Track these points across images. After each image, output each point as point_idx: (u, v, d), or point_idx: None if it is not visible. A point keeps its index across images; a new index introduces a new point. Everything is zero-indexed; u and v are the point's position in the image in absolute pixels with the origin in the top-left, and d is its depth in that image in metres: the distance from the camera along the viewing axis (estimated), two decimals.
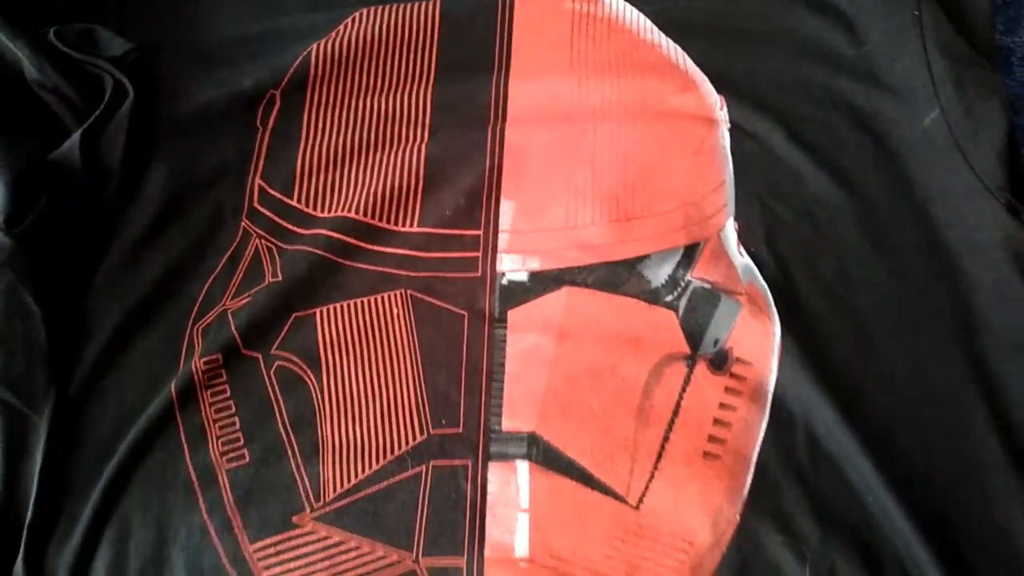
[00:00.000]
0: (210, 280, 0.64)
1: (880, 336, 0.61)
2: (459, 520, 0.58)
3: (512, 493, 0.58)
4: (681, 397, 0.60)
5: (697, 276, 0.63)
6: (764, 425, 0.60)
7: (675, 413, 0.60)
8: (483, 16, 0.70)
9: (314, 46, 0.69)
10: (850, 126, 0.67)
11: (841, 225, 0.64)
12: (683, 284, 0.63)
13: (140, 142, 0.66)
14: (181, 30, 0.70)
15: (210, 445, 0.60)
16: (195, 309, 0.63)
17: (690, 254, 0.64)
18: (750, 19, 0.70)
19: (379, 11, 0.70)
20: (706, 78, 0.68)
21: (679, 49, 0.69)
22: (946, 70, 0.64)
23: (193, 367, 0.60)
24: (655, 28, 0.70)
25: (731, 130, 0.67)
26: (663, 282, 0.63)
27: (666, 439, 0.59)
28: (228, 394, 0.61)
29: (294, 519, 0.59)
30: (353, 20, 0.70)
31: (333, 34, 0.70)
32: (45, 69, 0.63)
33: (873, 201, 0.65)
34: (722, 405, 0.60)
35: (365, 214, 0.64)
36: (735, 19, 0.70)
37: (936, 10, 0.67)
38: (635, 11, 0.70)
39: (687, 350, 0.61)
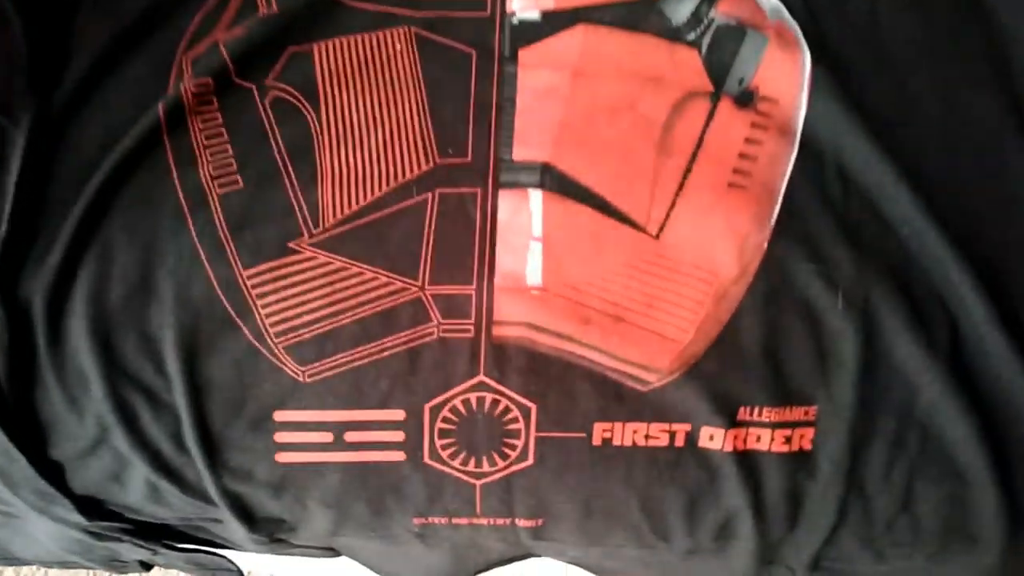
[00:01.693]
0: (202, 12, 0.57)
1: (912, 75, 0.56)
2: (468, 247, 0.52)
3: (524, 221, 0.52)
4: (704, 131, 0.54)
5: (722, 13, 0.57)
6: (792, 159, 0.53)
7: (698, 146, 0.54)
8: None
9: None
10: None
11: None
12: (706, 21, 0.56)
13: None
14: None
15: (200, 168, 0.54)
16: (185, 39, 0.57)
17: None
18: None
19: None
20: None
21: None
22: None
23: (183, 90, 0.54)
24: None
25: None
26: (685, 20, 0.57)
27: (688, 170, 0.54)
28: (220, 122, 0.55)
29: (291, 245, 0.53)
30: None
31: None
32: None
33: None
34: (748, 140, 0.54)
35: None
36: None
37: None
38: None
39: (711, 88, 0.55)
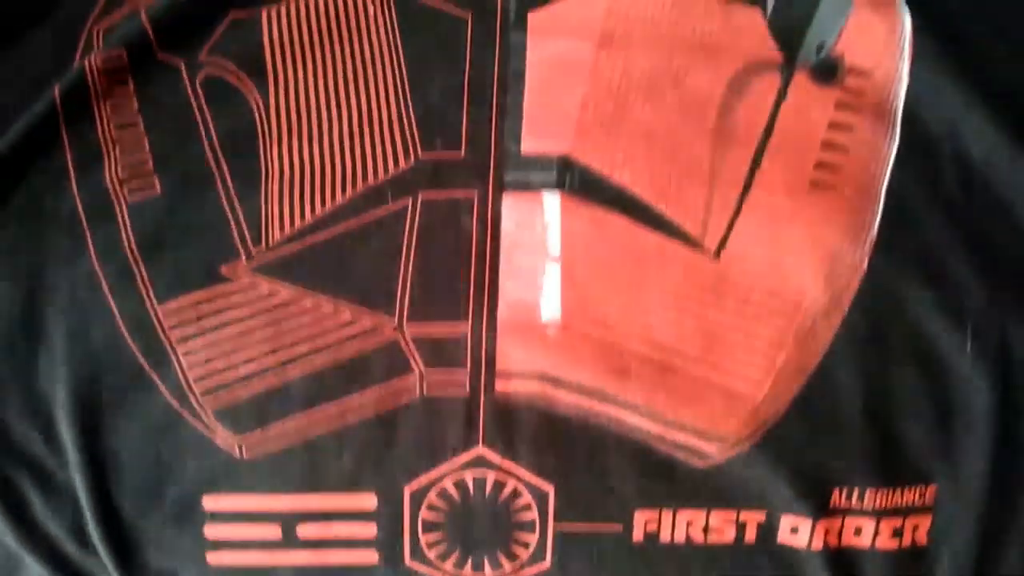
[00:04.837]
0: None
1: None
2: (460, 271, 0.35)
3: (537, 234, 0.36)
4: (775, 115, 0.38)
5: None
6: (894, 148, 0.36)
7: (767, 134, 0.37)
8: None
9: None
10: None
11: None
12: None
13: None
14: None
15: (107, 169, 0.37)
16: (99, 5, 0.39)
17: None
18: None
19: None
20: None
21: None
22: None
23: (87, 69, 0.37)
24: None
25: None
26: None
27: (756, 164, 0.37)
28: (135, 108, 0.38)
29: (222, 269, 0.36)
30: None
31: None
32: None
33: None
34: (833, 125, 0.38)
35: None
36: None
37: None
38: None
39: (779, 57, 0.38)
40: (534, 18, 0.42)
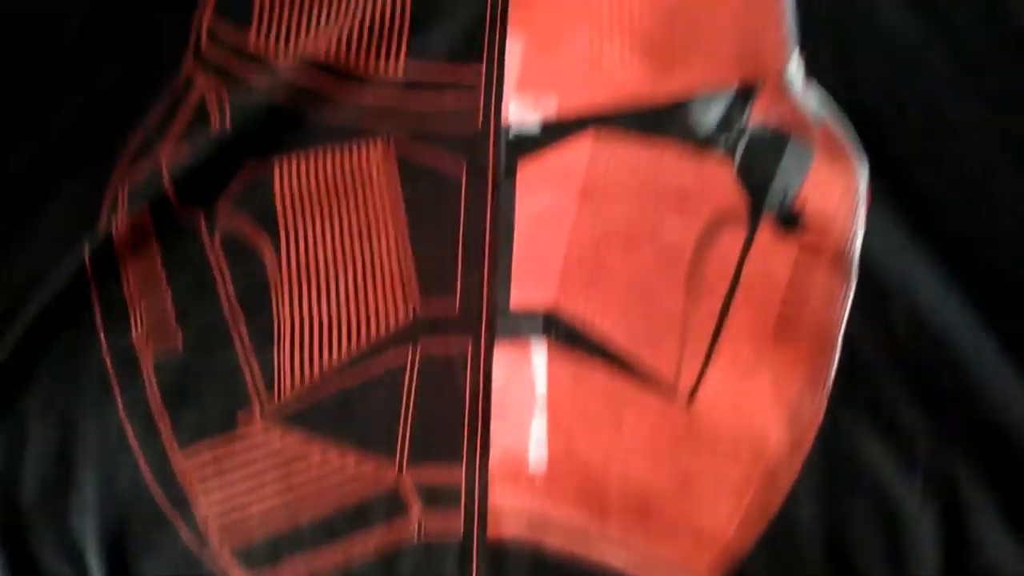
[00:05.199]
0: (144, 128, 0.44)
1: (988, 184, 0.43)
2: (456, 419, 0.38)
3: (525, 384, 0.39)
4: (741, 264, 0.41)
5: (756, 119, 0.43)
6: (850, 298, 0.40)
7: (734, 284, 0.40)
8: None
9: None
10: None
11: (928, 54, 0.46)
12: (738, 129, 0.43)
13: None
14: None
15: (133, 327, 0.41)
16: (122, 162, 0.43)
17: (746, 95, 0.44)
18: None
19: None
20: None
21: None
22: None
23: (114, 229, 0.40)
24: None
25: None
26: (713, 127, 0.43)
27: (724, 314, 0.40)
28: (158, 265, 0.41)
29: (239, 420, 0.39)
30: None
31: None
32: None
33: (963, 27, 0.47)
34: (795, 274, 0.41)
35: (338, 55, 0.45)
36: None
37: None
38: None
39: (746, 207, 0.42)
40: (523, 169, 0.46)
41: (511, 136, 0.45)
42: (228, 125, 0.45)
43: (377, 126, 0.45)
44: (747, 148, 0.44)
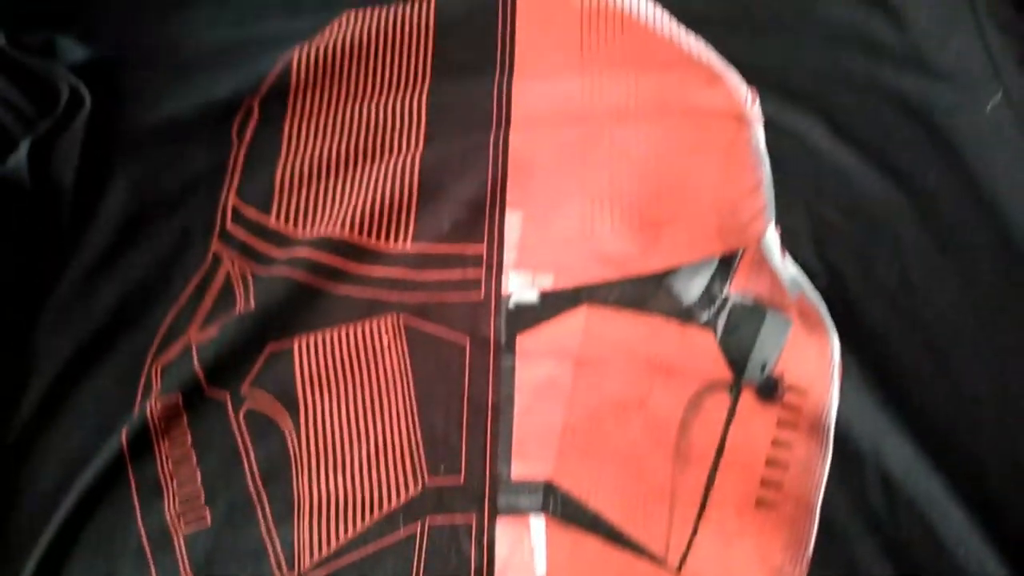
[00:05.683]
0: (174, 309, 0.49)
1: (956, 351, 0.46)
2: None
3: (525, 556, 0.42)
4: (725, 433, 0.44)
5: (737, 290, 0.47)
6: (827, 464, 0.43)
7: (719, 453, 0.44)
8: (483, 13, 0.56)
9: (296, 50, 0.54)
10: (899, 117, 0.52)
11: (899, 226, 0.49)
12: (721, 299, 0.47)
13: (100, 156, 0.51)
14: (153, 38, 0.56)
15: (166, 503, 0.44)
16: (156, 342, 0.48)
17: (727, 265, 0.48)
18: (776, 6, 0.55)
19: (368, 12, 0.55)
20: (733, 71, 0.52)
21: (701, 42, 0.54)
22: (1007, 48, 0.49)
23: (148, 411, 0.44)
24: (673, 21, 0.54)
25: (765, 126, 0.51)
26: (697, 298, 0.47)
27: (710, 484, 0.43)
28: (189, 443, 0.45)
29: None
30: (339, 23, 0.55)
31: (318, 38, 0.54)
32: None
33: (933, 198, 0.51)
34: (775, 442, 0.44)
35: (351, 232, 0.49)
36: (760, 8, 0.55)
37: None
38: (650, 4, 0.54)
39: (729, 377, 0.45)
40: (522, 340, 0.49)
41: (511, 306, 0.48)
42: (252, 303, 0.49)
43: (388, 298, 0.49)
44: (728, 319, 0.48)
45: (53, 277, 0.50)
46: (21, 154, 0.48)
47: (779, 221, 0.50)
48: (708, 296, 0.48)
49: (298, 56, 0.55)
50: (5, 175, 0.48)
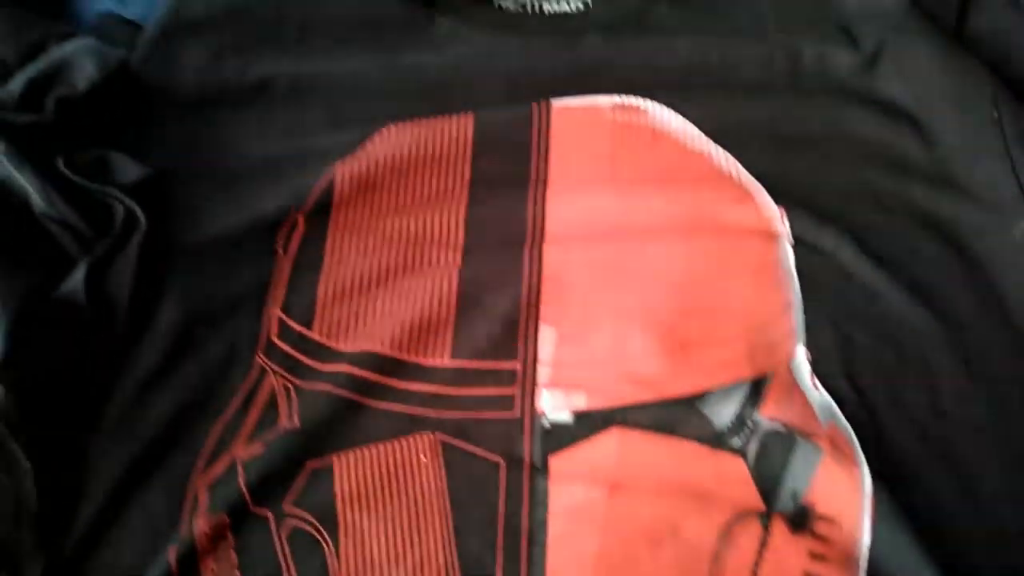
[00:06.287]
0: (220, 423, 0.50)
1: (987, 485, 0.46)
2: None
3: None
4: (758, 565, 0.44)
5: (767, 415, 0.47)
6: None
7: None
8: (519, 130, 0.57)
9: (338, 164, 0.55)
10: (928, 237, 0.52)
11: (928, 351, 0.49)
12: (752, 425, 0.47)
13: (152, 272, 0.52)
14: (201, 151, 0.58)
15: None
16: (203, 458, 0.49)
17: (757, 389, 0.48)
18: (805, 123, 0.56)
19: (408, 127, 0.57)
20: (762, 188, 0.53)
21: (730, 158, 0.55)
22: None
23: (196, 531, 0.45)
24: (703, 136, 0.55)
25: (794, 244, 0.51)
26: (728, 423, 0.47)
27: None
28: (235, 562, 0.46)
29: None
30: (380, 136, 0.57)
31: (360, 151, 0.56)
32: (52, 199, 0.50)
33: (963, 322, 0.51)
34: (807, 574, 0.43)
35: (391, 347, 0.50)
36: (788, 123, 0.56)
37: (1018, 109, 0.51)
38: (680, 118, 0.56)
39: (761, 505, 0.45)
40: (555, 462, 0.50)
41: (545, 425, 0.49)
42: (296, 419, 0.50)
43: (426, 414, 0.50)
44: (759, 446, 0.48)
45: (106, 392, 0.51)
46: (78, 276, 0.50)
47: (809, 343, 0.50)
48: (739, 421, 0.49)
49: (340, 169, 0.57)
50: (64, 296, 0.50)
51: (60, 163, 0.53)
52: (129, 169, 0.55)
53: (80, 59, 0.56)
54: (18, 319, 0.48)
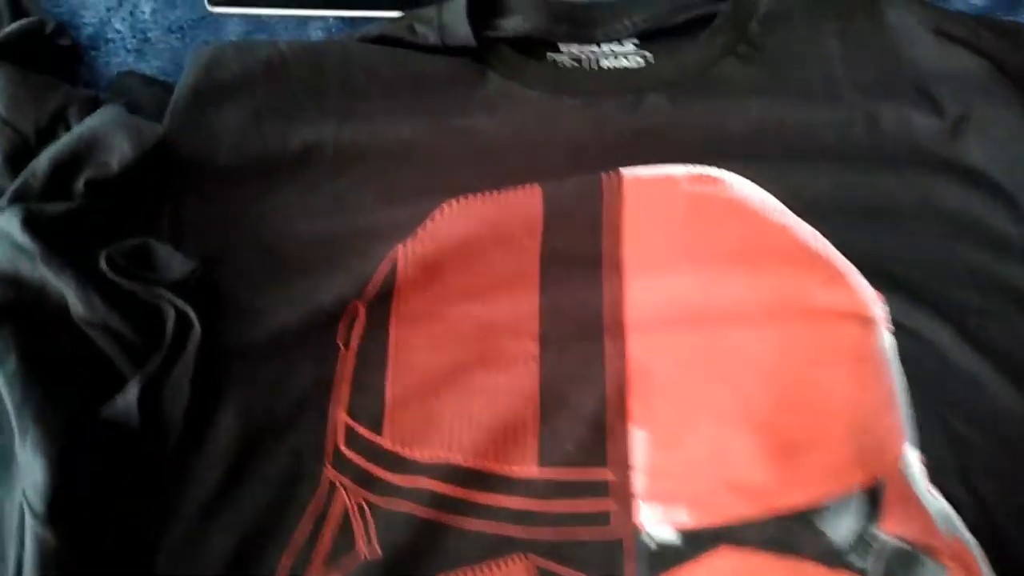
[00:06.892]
0: (291, 550, 0.44)
1: None
2: None
3: None
4: None
5: (889, 531, 0.43)
6: None
7: None
8: (589, 203, 0.52)
9: (399, 247, 0.50)
10: None
11: None
12: (873, 542, 0.43)
13: (207, 381, 0.46)
14: (243, 232, 0.51)
15: None
16: None
17: (874, 500, 0.44)
18: (892, 194, 0.52)
19: (472, 202, 0.52)
20: (853, 267, 0.49)
21: (816, 233, 0.50)
22: None
23: None
24: (784, 208, 0.51)
25: (894, 331, 0.47)
26: (849, 541, 0.44)
27: None
28: None
29: None
30: (441, 212, 0.51)
31: (420, 230, 0.50)
32: (94, 304, 0.44)
33: None
34: None
35: (474, 455, 0.45)
36: (874, 194, 0.52)
37: None
38: (759, 189, 0.51)
39: None
40: None
41: (653, 546, 0.45)
42: (375, 544, 0.45)
43: (517, 534, 0.45)
44: (884, 566, 0.44)
45: (164, 519, 0.46)
46: (131, 396, 0.44)
47: (917, 442, 0.47)
48: (860, 539, 0.45)
49: (402, 252, 0.51)
50: (113, 418, 0.44)
51: (102, 260, 0.46)
52: (174, 262, 0.49)
53: (111, 135, 0.50)
54: (63, 455, 0.41)
